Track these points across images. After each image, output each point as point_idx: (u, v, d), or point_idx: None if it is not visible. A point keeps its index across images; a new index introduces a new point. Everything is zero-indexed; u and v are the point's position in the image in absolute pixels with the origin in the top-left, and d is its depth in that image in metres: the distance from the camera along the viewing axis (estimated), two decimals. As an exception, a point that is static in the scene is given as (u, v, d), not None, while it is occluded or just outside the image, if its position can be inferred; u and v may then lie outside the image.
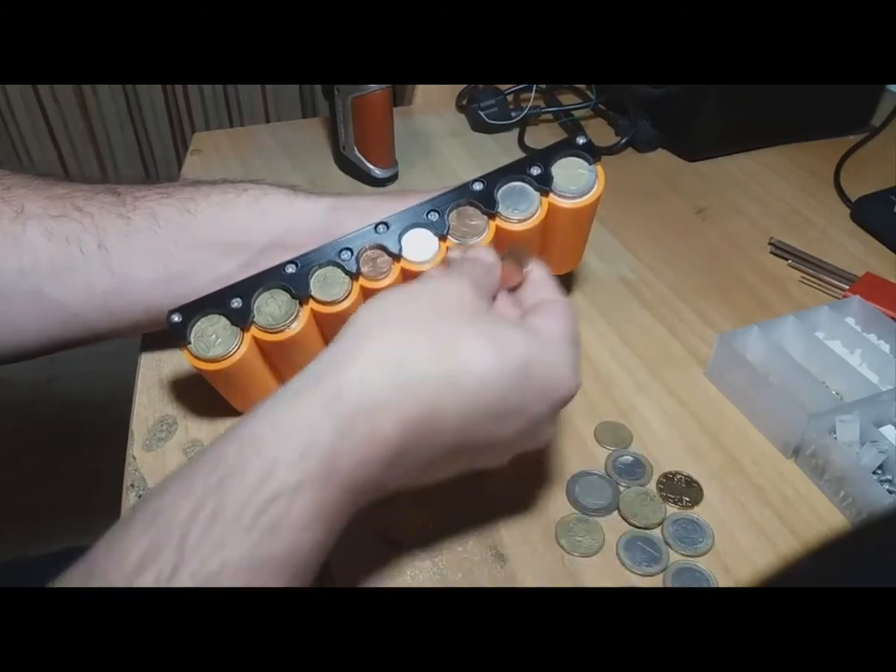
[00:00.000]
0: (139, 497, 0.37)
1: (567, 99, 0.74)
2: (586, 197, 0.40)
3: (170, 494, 0.25)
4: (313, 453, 0.25)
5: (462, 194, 0.39)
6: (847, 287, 0.50)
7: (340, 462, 0.26)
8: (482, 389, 0.28)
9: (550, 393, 0.30)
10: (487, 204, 0.39)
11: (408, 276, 0.39)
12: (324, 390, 0.27)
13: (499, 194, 0.39)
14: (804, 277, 0.53)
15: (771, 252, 0.55)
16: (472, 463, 0.31)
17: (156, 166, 1.57)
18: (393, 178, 0.62)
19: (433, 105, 0.75)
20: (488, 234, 0.39)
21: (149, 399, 0.42)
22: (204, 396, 0.41)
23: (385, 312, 0.29)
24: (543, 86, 0.74)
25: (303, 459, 0.25)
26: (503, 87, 0.71)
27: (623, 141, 0.67)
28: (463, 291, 0.30)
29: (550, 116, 0.72)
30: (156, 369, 0.44)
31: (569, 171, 0.40)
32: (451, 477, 0.31)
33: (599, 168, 0.41)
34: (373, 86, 0.56)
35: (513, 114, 0.70)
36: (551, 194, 0.40)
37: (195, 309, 0.36)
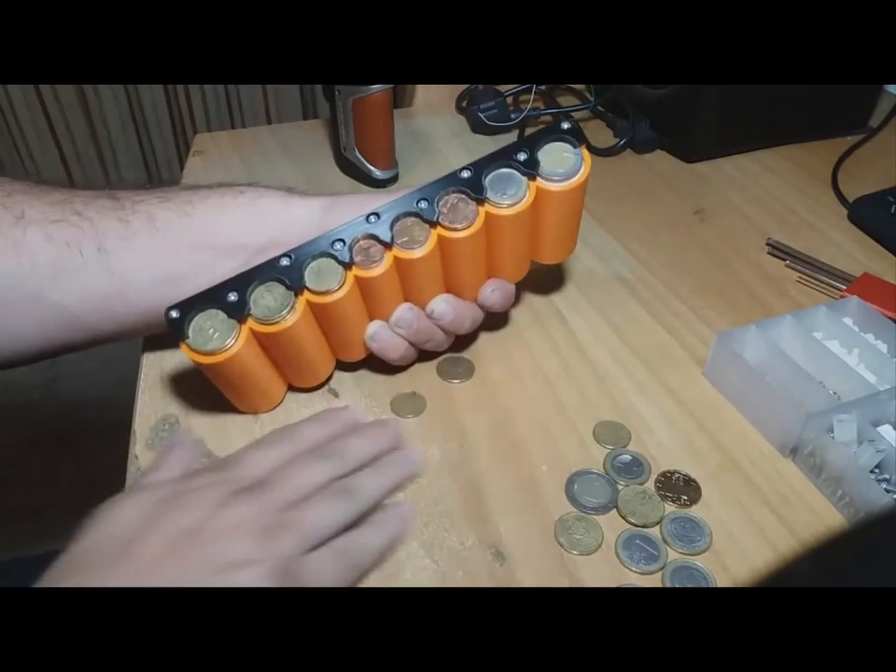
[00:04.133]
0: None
1: (567, 101, 0.74)
2: (573, 180, 0.41)
3: None
4: None
5: (451, 182, 0.39)
6: (845, 288, 0.50)
7: None
8: None
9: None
10: (476, 191, 0.39)
11: (401, 265, 0.39)
12: None
13: (487, 181, 0.40)
14: (801, 277, 0.53)
15: (769, 252, 0.55)
16: None
17: (157, 167, 1.58)
18: (393, 179, 0.63)
19: (433, 107, 0.75)
20: (478, 220, 0.39)
21: (151, 398, 0.42)
22: (206, 395, 0.41)
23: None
24: (543, 88, 0.74)
25: None
26: (503, 89, 0.71)
27: (622, 142, 0.67)
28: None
29: (549, 118, 0.72)
30: (158, 368, 0.44)
31: (555, 155, 0.41)
32: None
33: (585, 151, 0.41)
34: (374, 87, 0.56)
35: (513, 116, 0.70)
36: (538, 178, 0.40)
37: (192, 304, 0.37)
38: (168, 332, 0.37)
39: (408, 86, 0.76)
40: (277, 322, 0.37)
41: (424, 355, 0.44)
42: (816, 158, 0.67)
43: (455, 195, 0.39)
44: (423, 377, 0.44)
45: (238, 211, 0.40)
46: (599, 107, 0.72)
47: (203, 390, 0.40)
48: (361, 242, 0.38)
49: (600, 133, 0.70)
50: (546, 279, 0.51)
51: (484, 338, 0.47)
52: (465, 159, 0.66)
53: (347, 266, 0.38)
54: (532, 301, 0.50)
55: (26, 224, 0.37)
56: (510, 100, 0.72)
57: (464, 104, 0.73)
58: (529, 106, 0.69)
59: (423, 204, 0.39)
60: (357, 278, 0.38)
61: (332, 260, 0.38)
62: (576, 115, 0.72)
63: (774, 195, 0.62)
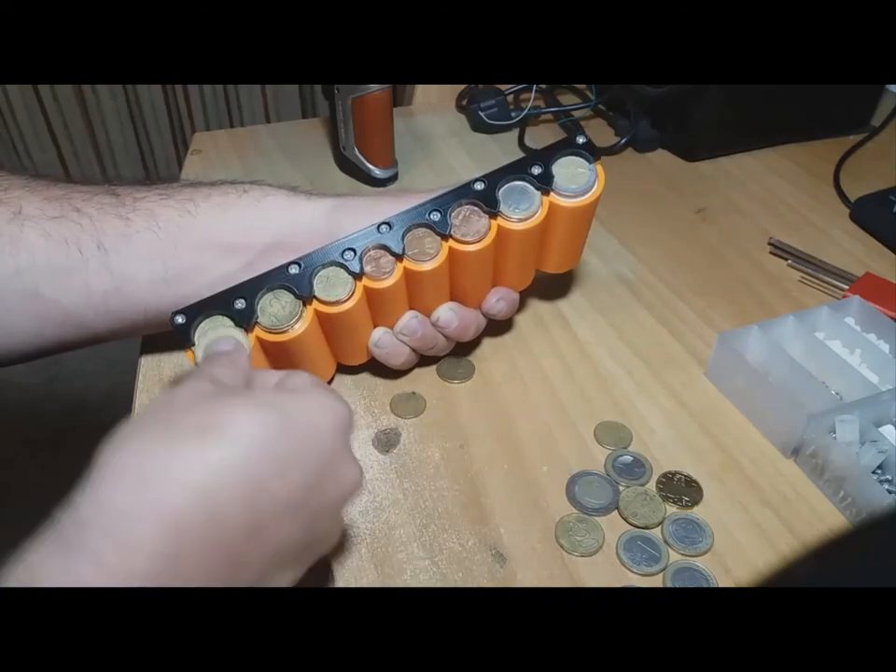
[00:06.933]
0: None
1: (567, 99, 0.74)
2: (587, 196, 0.40)
3: None
4: None
5: (463, 194, 0.39)
6: (847, 287, 0.50)
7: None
8: (242, 457, 0.25)
9: (323, 426, 0.28)
10: (489, 204, 0.39)
11: (410, 276, 0.39)
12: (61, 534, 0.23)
13: (501, 193, 0.39)
14: (803, 277, 0.53)
15: (771, 252, 0.55)
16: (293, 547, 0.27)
17: (156, 166, 1.57)
18: (393, 178, 0.62)
19: (433, 105, 0.75)
20: (490, 234, 0.39)
21: (150, 400, 0.42)
22: (204, 396, 0.41)
23: (122, 438, 0.25)
24: (543, 86, 0.74)
25: None
26: (503, 87, 0.71)
27: (623, 141, 0.67)
28: (196, 385, 0.28)
29: (550, 116, 0.72)
30: (156, 369, 0.44)
31: (570, 170, 0.40)
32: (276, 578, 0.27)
33: (599, 167, 0.41)
34: (373, 86, 0.56)
35: (513, 114, 0.70)
36: (551, 193, 0.40)
37: (199, 310, 0.36)
38: (167, 333, 0.36)
39: (408, 84, 0.76)
40: (285, 331, 0.37)
41: (424, 357, 0.44)
42: (818, 157, 0.67)
43: (467, 207, 0.39)
44: (423, 377, 0.44)
45: (242, 210, 0.40)
46: (600, 106, 0.72)
47: (203, 391, 0.40)
48: (372, 252, 0.38)
49: (601, 132, 0.70)
50: (547, 280, 0.51)
51: (485, 338, 0.47)
52: (465, 158, 0.67)
53: (357, 276, 0.38)
54: (533, 301, 0.50)
55: (23, 220, 0.37)
56: (510, 98, 0.71)
57: (464, 102, 0.73)
58: (530, 105, 0.69)
59: (435, 216, 0.38)
60: (366, 288, 0.38)
61: (342, 270, 0.38)
62: (577, 113, 0.72)
63: (776, 194, 0.62)
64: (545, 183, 0.40)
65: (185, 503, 0.24)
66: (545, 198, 0.40)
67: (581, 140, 0.40)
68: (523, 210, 0.39)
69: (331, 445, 0.28)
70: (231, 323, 0.36)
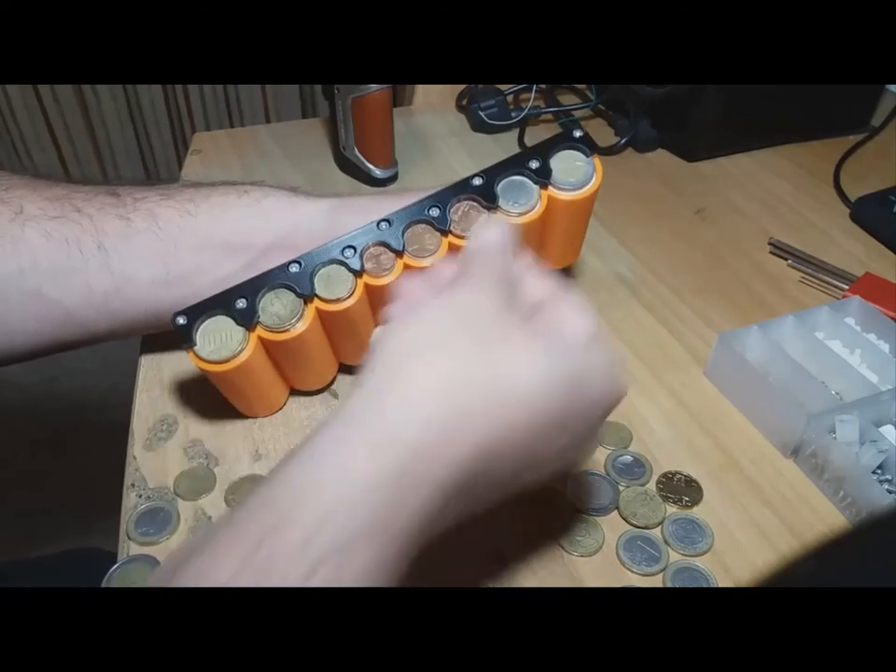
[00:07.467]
0: (139, 496, 0.37)
1: (567, 99, 0.74)
2: (585, 189, 0.41)
3: (211, 552, 0.23)
4: (364, 506, 0.23)
5: (462, 189, 0.39)
6: (847, 287, 0.50)
7: (397, 512, 0.24)
8: (542, 400, 0.26)
9: (603, 397, 0.29)
10: (488, 199, 0.39)
11: (411, 273, 0.39)
12: (369, 434, 0.24)
13: (499, 188, 0.39)
14: (803, 277, 0.53)
15: (771, 252, 0.55)
16: (528, 481, 0.29)
17: (156, 166, 1.57)
18: (393, 178, 0.62)
19: (433, 105, 0.75)
20: None
21: (150, 399, 0.42)
22: (205, 395, 0.41)
23: (416, 335, 0.27)
24: (543, 86, 0.74)
25: (353, 514, 0.23)
26: (503, 87, 0.71)
27: (623, 141, 0.67)
28: (484, 300, 0.28)
29: (550, 116, 0.72)
30: (156, 368, 0.44)
31: (567, 163, 0.40)
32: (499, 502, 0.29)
33: (597, 160, 0.41)
34: (373, 86, 0.56)
35: (513, 114, 0.70)
36: (550, 187, 0.40)
37: (200, 311, 0.36)
38: (167, 332, 0.36)
39: (408, 84, 0.76)
40: (287, 330, 0.37)
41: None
42: (817, 157, 0.67)
43: (466, 202, 0.39)
44: (423, 377, 0.44)
45: (242, 210, 0.40)
46: (600, 106, 0.72)
47: (202, 391, 0.40)
48: (372, 249, 0.38)
49: (601, 132, 0.70)
50: (547, 279, 0.51)
51: (485, 338, 0.47)
52: (465, 157, 0.67)
53: (358, 274, 0.38)
54: (532, 300, 0.50)
55: (25, 220, 0.37)
56: (510, 98, 0.71)
57: (464, 102, 0.73)
58: (530, 105, 0.69)
59: (434, 212, 0.38)
60: (367, 286, 0.38)
61: (343, 268, 0.38)
62: (577, 113, 0.72)
63: (775, 194, 0.62)
64: (543, 177, 0.40)
65: (483, 439, 0.25)
66: (543, 192, 0.40)
67: (577, 133, 0.40)
68: (521, 204, 0.39)
69: (602, 415, 0.30)
70: (233, 323, 0.36)
